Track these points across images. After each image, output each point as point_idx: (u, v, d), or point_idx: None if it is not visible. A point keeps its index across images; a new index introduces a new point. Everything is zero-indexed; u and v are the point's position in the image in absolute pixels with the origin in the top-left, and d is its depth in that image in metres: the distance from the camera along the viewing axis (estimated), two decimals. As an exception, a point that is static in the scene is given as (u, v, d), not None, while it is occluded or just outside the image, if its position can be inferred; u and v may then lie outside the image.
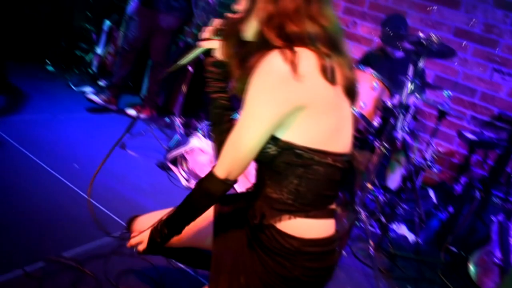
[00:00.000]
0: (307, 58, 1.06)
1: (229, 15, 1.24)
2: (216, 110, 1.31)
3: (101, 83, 4.00)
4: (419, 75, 2.60)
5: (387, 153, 2.50)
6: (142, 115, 3.73)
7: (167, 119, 3.45)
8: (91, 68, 4.27)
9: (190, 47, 1.82)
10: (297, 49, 1.06)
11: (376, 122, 2.70)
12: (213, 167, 1.19)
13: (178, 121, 3.27)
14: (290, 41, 1.09)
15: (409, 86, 2.54)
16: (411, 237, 3.13)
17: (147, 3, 3.53)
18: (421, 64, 2.48)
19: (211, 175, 1.18)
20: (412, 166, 2.89)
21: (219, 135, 1.27)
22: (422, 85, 2.71)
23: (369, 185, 2.46)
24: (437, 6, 3.84)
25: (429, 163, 2.93)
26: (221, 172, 1.16)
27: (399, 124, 2.59)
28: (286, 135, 1.11)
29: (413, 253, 2.84)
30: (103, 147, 2.47)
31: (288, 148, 1.11)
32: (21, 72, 3.79)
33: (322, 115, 1.10)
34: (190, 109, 3.69)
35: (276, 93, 1.05)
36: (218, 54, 1.29)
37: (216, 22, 1.30)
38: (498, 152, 3.39)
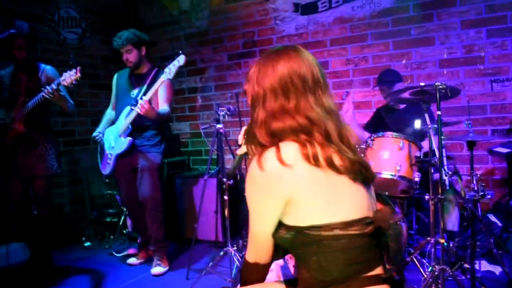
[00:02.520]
0: (288, 149, 1.19)
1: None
2: None
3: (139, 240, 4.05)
4: (433, 118, 2.71)
5: (439, 201, 2.53)
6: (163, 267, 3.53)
7: (220, 252, 3.40)
8: (126, 230, 4.37)
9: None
10: (280, 143, 1.21)
11: (417, 177, 2.76)
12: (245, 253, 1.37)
13: (231, 250, 3.26)
14: (275, 137, 1.23)
15: (430, 132, 2.64)
16: (496, 269, 3.04)
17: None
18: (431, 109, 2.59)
19: (244, 261, 1.36)
20: (467, 202, 2.89)
21: None
22: (441, 125, 2.80)
23: (441, 240, 2.45)
24: (414, 49, 4.07)
25: (481, 193, 2.93)
26: (250, 258, 1.34)
27: (438, 170, 2.65)
28: (290, 220, 1.22)
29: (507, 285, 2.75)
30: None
31: (297, 230, 1.20)
32: (62, 257, 3.89)
33: (313, 194, 1.18)
34: (234, 232, 3.70)
35: (261, 192, 1.21)
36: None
37: (243, 130, 1.45)
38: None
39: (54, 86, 3.04)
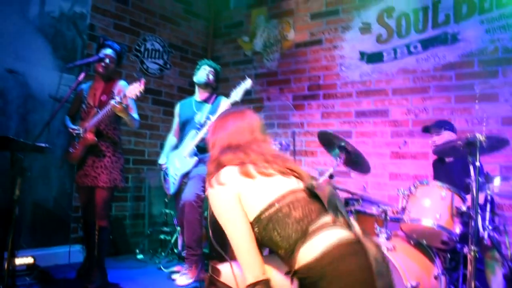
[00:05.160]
0: (227, 171, 1.73)
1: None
2: None
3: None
4: (480, 172, 2.69)
5: (478, 256, 2.48)
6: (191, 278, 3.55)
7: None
8: (177, 248, 4.61)
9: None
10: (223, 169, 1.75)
11: (458, 229, 2.74)
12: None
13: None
14: (220, 166, 1.77)
15: (474, 185, 2.63)
16: None
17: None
18: (477, 162, 2.59)
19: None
20: (509, 260, 2.79)
21: None
22: (486, 180, 2.77)
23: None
24: (478, 104, 4.04)
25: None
26: (250, 277, 1.57)
27: (480, 224, 2.62)
28: (250, 217, 1.64)
29: None
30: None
31: (256, 221, 1.61)
32: (115, 265, 4.16)
33: (249, 191, 1.66)
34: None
35: (221, 200, 1.67)
36: None
37: None
38: None
39: (119, 98, 3.19)
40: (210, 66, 3.95)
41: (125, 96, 3.19)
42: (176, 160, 3.84)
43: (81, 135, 3.38)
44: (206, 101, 3.94)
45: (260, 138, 1.89)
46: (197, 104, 3.96)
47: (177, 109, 4.15)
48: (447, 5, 4.25)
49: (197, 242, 3.67)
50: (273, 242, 1.59)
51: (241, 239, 1.61)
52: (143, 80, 3.21)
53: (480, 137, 2.43)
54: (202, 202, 3.66)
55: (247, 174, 1.69)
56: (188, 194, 3.64)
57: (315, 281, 1.46)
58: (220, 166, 1.77)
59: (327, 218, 1.57)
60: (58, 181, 4.29)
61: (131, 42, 5.14)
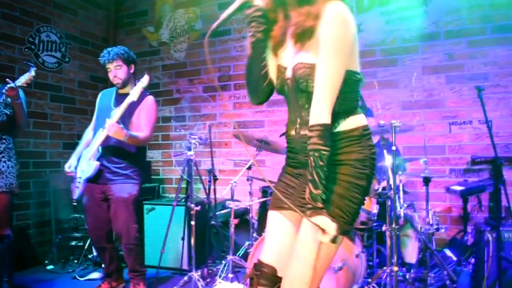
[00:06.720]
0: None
1: None
2: (256, 48, 1.62)
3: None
4: (397, 154, 2.89)
5: (396, 232, 2.67)
6: None
7: (184, 277, 3.44)
8: (92, 254, 4.33)
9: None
10: None
11: (375, 209, 2.91)
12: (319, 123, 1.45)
13: (195, 276, 3.30)
14: None
15: (389, 167, 2.82)
16: (450, 302, 3.17)
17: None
18: (393, 147, 2.77)
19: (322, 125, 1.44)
20: (422, 235, 3.05)
21: (256, 71, 1.66)
22: (399, 162, 2.98)
23: (395, 268, 2.58)
24: (380, 91, 4.33)
25: (435, 226, 3.10)
26: (327, 118, 1.44)
27: (395, 203, 2.81)
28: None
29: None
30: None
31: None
32: (23, 279, 3.81)
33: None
34: (200, 260, 3.72)
35: (351, 31, 1.47)
36: (260, 2, 1.61)
37: None
38: (488, 191, 3.63)
39: (12, 83, 3.08)
40: (113, 58, 3.34)
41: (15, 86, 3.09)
42: (84, 161, 3.41)
43: None
44: (127, 96, 3.28)
45: None
46: (117, 97, 3.45)
47: (98, 99, 3.63)
48: (349, -3, 4.46)
49: (141, 264, 3.48)
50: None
51: (341, 76, 1.46)
52: (34, 68, 3.10)
53: (395, 123, 2.59)
54: (137, 225, 3.38)
55: None
56: (123, 223, 3.29)
57: None
58: None
59: None
60: None
61: (23, 34, 4.65)
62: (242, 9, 1.62)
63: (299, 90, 1.55)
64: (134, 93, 3.12)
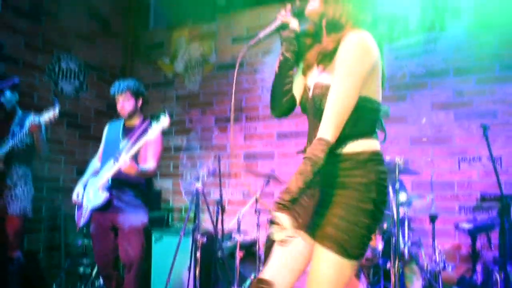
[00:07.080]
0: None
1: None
2: (282, 66, 1.75)
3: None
4: (399, 192, 2.90)
5: (400, 269, 2.66)
6: None
7: None
8: (98, 280, 4.35)
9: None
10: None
11: (380, 246, 2.91)
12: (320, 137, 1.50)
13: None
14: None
15: (395, 206, 2.82)
16: None
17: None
18: (397, 184, 2.79)
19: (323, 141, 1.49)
20: (427, 273, 3.02)
21: (278, 86, 1.76)
22: (406, 199, 2.99)
23: (399, 307, 2.56)
24: (389, 126, 4.34)
25: (442, 264, 3.08)
26: (331, 137, 1.49)
27: (400, 240, 2.81)
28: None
29: None
30: None
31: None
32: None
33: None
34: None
35: (367, 58, 1.55)
36: (296, 26, 1.75)
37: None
38: (498, 229, 3.58)
39: (37, 118, 3.24)
40: (123, 90, 3.40)
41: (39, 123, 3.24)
42: (91, 190, 3.41)
43: None
44: (134, 128, 3.41)
45: None
46: (124, 129, 3.51)
47: (104, 130, 3.73)
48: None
49: None
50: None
51: (351, 98, 1.50)
52: (58, 105, 3.24)
53: (399, 160, 2.62)
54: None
55: None
56: (133, 253, 3.31)
57: None
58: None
59: None
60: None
61: (43, 62, 4.84)
62: (279, 30, 1.75)
63: (315, 109, 1.62)
64: (152, 133, 3.10)
